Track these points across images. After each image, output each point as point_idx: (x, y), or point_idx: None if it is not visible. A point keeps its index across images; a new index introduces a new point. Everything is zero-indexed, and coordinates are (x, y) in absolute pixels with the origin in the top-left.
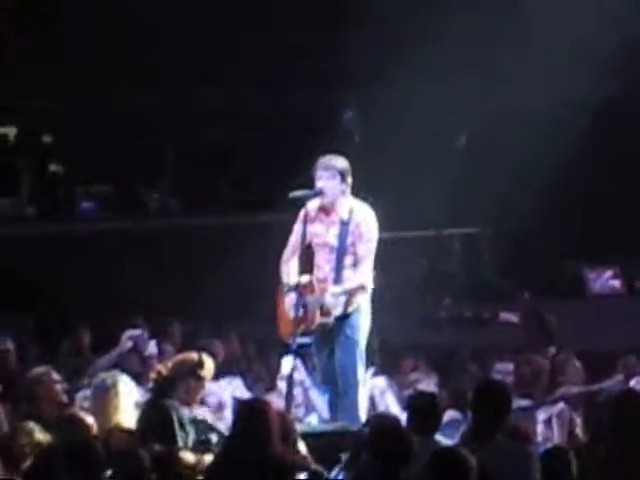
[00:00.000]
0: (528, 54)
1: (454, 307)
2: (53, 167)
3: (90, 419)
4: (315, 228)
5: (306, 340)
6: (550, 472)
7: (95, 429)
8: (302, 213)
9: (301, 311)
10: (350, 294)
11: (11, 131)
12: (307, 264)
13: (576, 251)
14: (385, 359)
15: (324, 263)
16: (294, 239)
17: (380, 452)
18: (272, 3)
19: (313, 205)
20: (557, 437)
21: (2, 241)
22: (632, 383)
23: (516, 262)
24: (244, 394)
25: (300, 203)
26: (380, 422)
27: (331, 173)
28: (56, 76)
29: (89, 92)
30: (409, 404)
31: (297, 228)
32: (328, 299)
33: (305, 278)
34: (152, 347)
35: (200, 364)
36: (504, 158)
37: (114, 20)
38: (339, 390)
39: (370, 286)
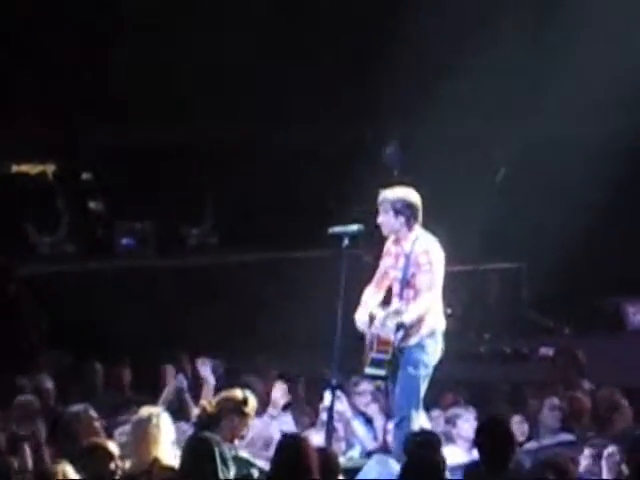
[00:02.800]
0: (564, 85)
1: (494, 342)
2: (92, 204)
3: (114, 447)
4: (387, 262)
5: (378, 372)
6: None
7: (118, 459)
8: (385, 246)
9: (367, 345)
10: (402, 320)
11: (50, 168)
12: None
13: (616, 286)
14: (427, 395)
15: (394, 296)
16: (378, 271)
17: None
18: (309, 35)
19: (390, 238)
20: (606, 475)
21: (42, 279)
22: None
23: (556, 297)
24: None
25: (340, 239)
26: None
27: (384, 207)
28: (94, 111)
29: (129, 127)
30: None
31: (382, 261)
32: (376, 326)
33: (375, 310)
34: (182, 383)
35: (245, 401)
36: (543, 192)
37: (151, 54)
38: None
39: (438, 323)
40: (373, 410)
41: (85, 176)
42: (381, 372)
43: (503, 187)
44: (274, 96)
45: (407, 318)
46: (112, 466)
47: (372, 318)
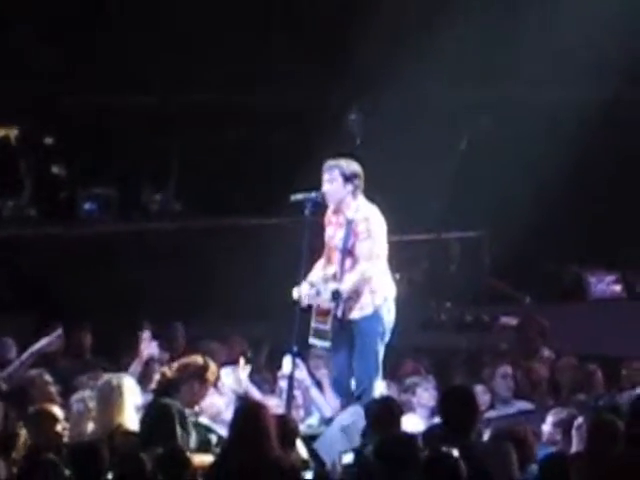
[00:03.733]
0: (530, 53)
1: (455, 310)
2: (55, 169)
3: (58, 411)
4: (329, 231)
5: (324, 344)
6: (547, 476)
7: (62, 423)
8: (326, 217)
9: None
10: (349, 297)
11: (13, 132)
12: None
13: (577, 255)
14: (385, 362)
15: (335, 265)
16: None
17: (385, 456)
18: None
19: (330, 208)
20: (576, 445)
21: (4, 242)
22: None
23: (517, 266)
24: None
25: (301, 206)
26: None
27: (333, 175)
28: (58, 76)
29: (91, 92)
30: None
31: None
32: (310, 294)
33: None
34: (154, 349)
35: (205, 367)
36: (505, 161)
37: (118, 19)
38: (352, 393)
39: (387, 290)
40: (322, 374)
41: (48, 140)
42: (325, 343)
43: (466, 155)
44: (240, 62)
45: (344, 286)
46: (58, 428)
47: (312, 286)
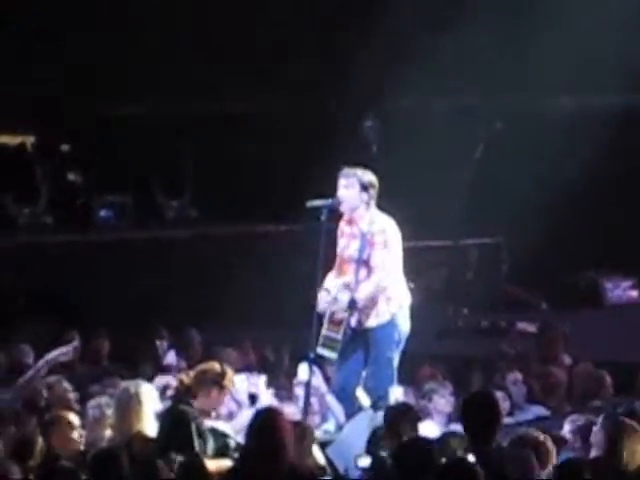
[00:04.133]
0: (548, 63)
1: (472, 317)
2: (71, 176)
3: (73, 417)
4: (342, 242)
5: (332, 355)
6: None
7: (79, 430)
8: (339, 227)
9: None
10: (365, 306)
11: (29, 139)
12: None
13: (593, 261)
14: (402, 369)
15: (349, 276)
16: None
17: (403, 461)
18: (291, 5)
19: (344, 218)
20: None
21: (20, 250)
22: None
23: (533, 272)
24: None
25: (318, 212)
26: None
27: (350, 182)
28: (75, 84)
29: (109, 100)
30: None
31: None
32: (328, 301)
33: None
34: (171, 357)
35: (223, 374)
36: (522, 168)
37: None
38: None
39: (402, 298)
40: None
41: (64, 148)
42: (332, 354)
43: (482, 163)
44: (253, 69)
45: (359, 295)
46: (74, 435)
47: (328, 293)
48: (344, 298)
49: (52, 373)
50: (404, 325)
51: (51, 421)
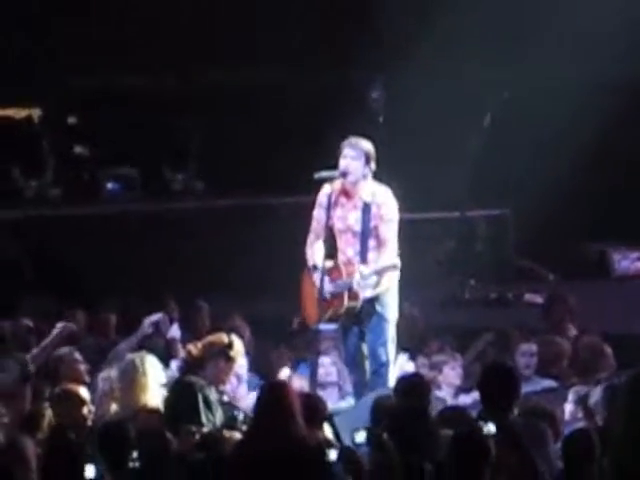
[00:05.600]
0: (556, 34)
1: (479, 288)
2: (78, 149)
3: (84, 392)
4: (337, 212)
5: (331, 327)
6: (571, 453)
7: (89, 402)
8: (324, 197)
9: (327, 294)
10: (379, 275)
11: (36, 112)
12: (332, 248)
13: (602, 232)
14: (411, 340)
15: (346, 247)
16: (316, 224)
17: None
18: None
19: (335, 189)
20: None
21: (27, 222)
22: None
23: (541, 243)
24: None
25: (324, 184)
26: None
27: (357, 153)
28: (80, 56)
29: (114, 72)
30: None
31: (319, 212)
32: (357, 280)
33: (330, 262)
34: (174, 331)
35: (230, 345)
36: (530, 138)
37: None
38: (367, 372)
39: (397, 267)
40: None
41: (71, 120)
42: (332, 325)
43: (490, 133)
44: (260, 40)
45: (380, 264)
46: (84, 411)
47: (325, 269)
48: (372, 281)
49: (61, 345)
50: (397, 293)
51: (61, 395)
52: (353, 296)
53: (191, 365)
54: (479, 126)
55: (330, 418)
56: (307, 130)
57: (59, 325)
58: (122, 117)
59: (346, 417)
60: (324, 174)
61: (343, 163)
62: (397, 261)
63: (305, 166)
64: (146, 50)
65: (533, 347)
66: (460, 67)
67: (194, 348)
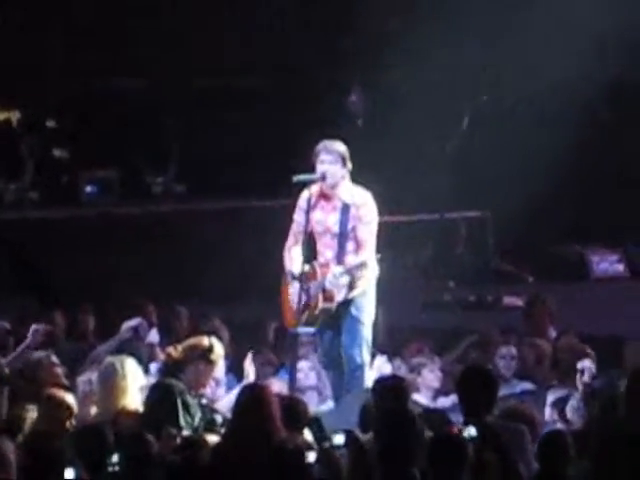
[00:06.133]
0: (533, 36)
1: (458, 290)
2: (57, 152)
3: (71, 399)
4: (316, 215)
5: (309, 330)
6: (547, 454)
7: (76, 409)
8: (303, 201)
9: (304, 298)
10: (353, 275)
11: (14, 115)
12: (311, 252)
13: (581, 235)
14: (389, 343)
15: (325, 249)
16: (296, 227)
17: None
18: None
19: (313, 192)
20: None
21: (6, 226)
22: None
23: (521, 245)
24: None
25: (304, 187)
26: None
27: (334, 157)
28: (60, 60)
29: (92, 76)
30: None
31: (299, 215)
32: (330, 280)
33: (307, 266)
34: (153, 335)
35: (211, 348)
36: (508, 140)
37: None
38: (344, 373)
39: (375, 270)
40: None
41: (50, 123)
42: (310, 329)
43: (468, 135)
44: (240, 43)
45: (353, 263)
46: (72, 422)
47: (302, 274)
48: (345, 280)
49: (39, 347)
50: (374, 296)
51: (50, 402)
52: (328, 297)
53: (171, 368)
54: (458, 128)
55: (317, 420)
56: (286, 133)
57: (34, 327)
58: (101, 120)
59: (325, 419)
60: (303, 177)
61: (321, 169)
62: (371, 264)
63: (285, 170)
64: (126, 53)
65: (513, 350)
66: (440, 69)
67: (174, 351)
